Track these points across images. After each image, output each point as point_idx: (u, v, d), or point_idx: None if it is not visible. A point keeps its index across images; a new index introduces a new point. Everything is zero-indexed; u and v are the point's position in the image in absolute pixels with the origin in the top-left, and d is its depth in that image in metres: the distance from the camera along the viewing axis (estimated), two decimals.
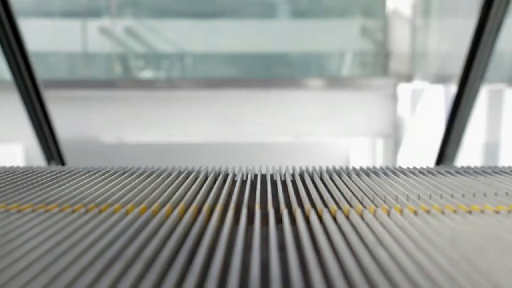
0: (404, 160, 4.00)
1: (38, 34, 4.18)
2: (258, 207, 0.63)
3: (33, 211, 0.62)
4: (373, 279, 0.36)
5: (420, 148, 3.85)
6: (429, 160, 2.75)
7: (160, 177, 0.84)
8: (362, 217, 0.57)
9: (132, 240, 0.46)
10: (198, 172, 0.88)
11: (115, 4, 4.35)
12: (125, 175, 0.87)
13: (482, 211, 0.61)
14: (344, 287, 0.35)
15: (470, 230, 0.52)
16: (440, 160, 2.20)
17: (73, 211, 0.61)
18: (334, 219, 0.57)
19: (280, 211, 0.61)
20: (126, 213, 0.60)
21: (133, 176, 0.85)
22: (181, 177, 0.85)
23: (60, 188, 0.77)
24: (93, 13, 4.37)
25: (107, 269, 0.40)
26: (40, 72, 2.16)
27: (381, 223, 0.53)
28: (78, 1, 4.39)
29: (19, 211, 0.62)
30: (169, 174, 0.87)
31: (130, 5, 4.46)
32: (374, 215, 0.58)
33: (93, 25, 4.29)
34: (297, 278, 0.36)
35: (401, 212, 0.58)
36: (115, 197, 0.69)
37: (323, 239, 0.47)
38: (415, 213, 0.59)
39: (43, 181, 0.83)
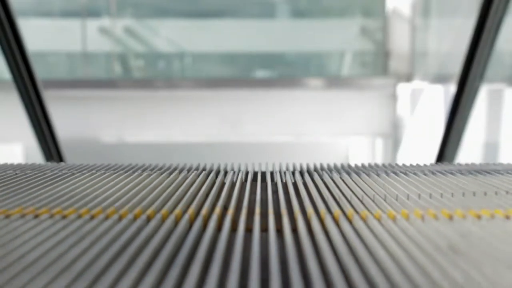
0: (404, 160, 4.00)
1: (38, 34, 4.18)
2: (260, 179, 0.88)
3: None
4: (329, 202, 0.68)
5: (419, 148, 3.85)
6: (429, 159, 2.75)
7: (171, 167, 1.01)
8: (331, 178, 0.88)
9: (180, 185, 0.80)
10: (211, 169, 1.02)
11: (115, 4, 4.35)
12: (140, 170, 0.99)
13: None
14: (311, 207, 0.64)
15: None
16: (439, 159, 2.20)
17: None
18: (313, 180, 0.88)
19: (273, 176, 0.94)
20: (169, 175, 0.89)
21: (148, 169, 0.99)
22: (196, 168, 1.01)
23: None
24: (93, 12, 4.37)
25: (161, 209, 0.64)
26: (40, 72, 2.17)
27: (343, 180, 0.85)
28: (77, 1, 4.39)
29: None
30: (181, 170, 0.99)
31: (130, 5, 4.46)
32: (340, 177, 0.88)
33: (92, 25, 4.29)
34: (284, 206, 0.65)
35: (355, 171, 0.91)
36: (156, 164, 1.01)
37: (302, 187, 0.79)
38: (363, 165, 0.95)
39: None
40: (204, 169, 0.99)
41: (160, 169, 0.98)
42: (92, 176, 0.88)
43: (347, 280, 0.41)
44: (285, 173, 0.95)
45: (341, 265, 0.44)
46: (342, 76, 4.40)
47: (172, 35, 4.34)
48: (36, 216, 0.59)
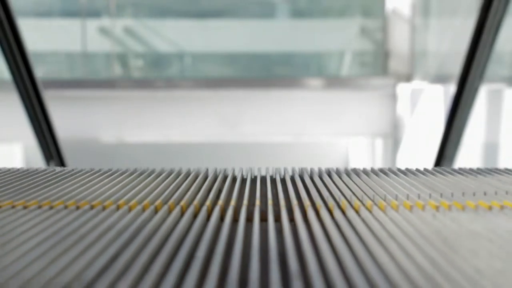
0: (404, 160, 4.01)
1: (38, 34, 4.18)
2: (259, 182, 0.88)
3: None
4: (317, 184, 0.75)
5: (419, 148, 3.85)
6: (429, 160, 2.75)
7: (172, 175, 0.91)
8: (319, 177, 0.88)
9: (189, 189, 0.79)
10: (208, 173, 0.95)
11: (114, 4, 4.35)
12: (135, 174, 0.91)
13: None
14: (305, 196, 0.71)
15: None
16: (439, 160, 2.20)
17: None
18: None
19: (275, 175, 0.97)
20: (166, 176, 0.78)
21: (145, 174, 0.91)
22: (192, 174, 0.92)
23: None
24: (93, 13, 4.37)
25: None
26: (40, 72, 2.17)
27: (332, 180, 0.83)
28: (77, 1, 4.39)
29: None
30: (178, 174, 0.92)
31: (130, 5, 4.46)
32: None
33: (92, 25, 4.29)
34: (279, 188, 0.78)
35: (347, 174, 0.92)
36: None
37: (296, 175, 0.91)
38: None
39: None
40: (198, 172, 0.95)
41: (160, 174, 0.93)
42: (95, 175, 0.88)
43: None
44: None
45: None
46: (342, 76, 4.40)
47: (172, 35, 4.34)
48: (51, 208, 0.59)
